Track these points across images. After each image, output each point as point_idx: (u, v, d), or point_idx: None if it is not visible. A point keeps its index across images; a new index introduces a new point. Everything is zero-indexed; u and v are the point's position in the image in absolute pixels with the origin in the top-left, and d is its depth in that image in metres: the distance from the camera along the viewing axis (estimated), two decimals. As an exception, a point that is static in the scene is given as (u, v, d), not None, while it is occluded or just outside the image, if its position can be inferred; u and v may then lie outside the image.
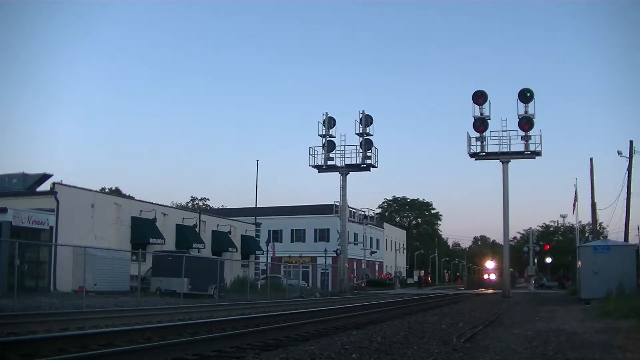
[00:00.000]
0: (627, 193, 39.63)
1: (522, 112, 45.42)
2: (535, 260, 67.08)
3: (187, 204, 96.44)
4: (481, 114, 46.32)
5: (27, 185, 35.15)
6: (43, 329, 13.53)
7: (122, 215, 37.65)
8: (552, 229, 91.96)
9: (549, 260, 72.20)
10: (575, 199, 51.94)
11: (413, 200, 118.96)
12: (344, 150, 51.38)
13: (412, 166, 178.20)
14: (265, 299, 31.18)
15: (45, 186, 34.73)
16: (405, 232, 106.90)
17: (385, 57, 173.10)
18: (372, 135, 51.47)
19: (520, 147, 45.76)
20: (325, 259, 58.28)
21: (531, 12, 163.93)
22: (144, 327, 13.49)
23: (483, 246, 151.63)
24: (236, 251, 48.44)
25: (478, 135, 46.43)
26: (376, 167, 51.68)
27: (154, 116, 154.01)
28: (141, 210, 39.25)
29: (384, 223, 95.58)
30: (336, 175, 52.06)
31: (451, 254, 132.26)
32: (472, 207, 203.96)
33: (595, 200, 46.51)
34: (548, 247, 72.14)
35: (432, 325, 15.66)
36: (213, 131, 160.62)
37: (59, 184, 33.55)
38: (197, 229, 43.88)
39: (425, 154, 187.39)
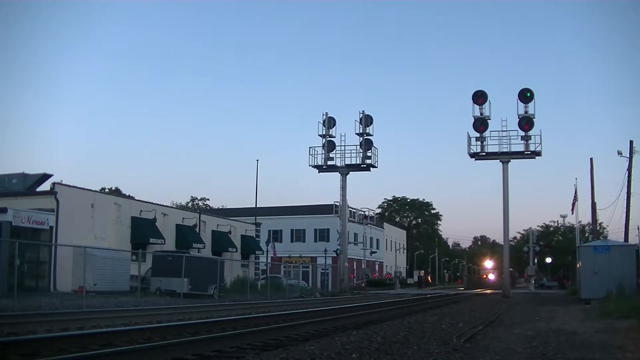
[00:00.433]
0: (627, 193, 39.67)
1: (522, 112, 45.44)
2: (535, 260, 67.09)
3: (187, 204, 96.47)
4: (481, 114, 46.32)
5: (27, 185, 35.16)
6: (43, 329, 13.53)
7: (122, 215, 37.65)
8: (552, 229, 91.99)
9: (549, 260, 72.22)
10: (575, 199, 51.95)
11: (413, 200, 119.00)
12: (344, 150, 51.45)
13: (412, 166, 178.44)
14: (265, 299, 31.18)
15: (45, 186, 34.76)
16: (405, 232, 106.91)
17: (385, 57, 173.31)
18: (372, 135, 51.52)
19: (520, 147, 45.77)
20: (325, 259, 58.28)
21: (531, 12, 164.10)
22: (144, 327, 13.48)
23: (483, 246, 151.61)
24: (236, 251, 48.44)
25: (478, 135, 46.42)
26: (376, 167, 51.75)
27: (154, 116, 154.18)
28: (141, 210, 39.25)
29: (384, 223, 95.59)
30: (336, 175, 52.09)
31: (451, 254, 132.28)
32: (472, 207, 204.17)
33: (595, 200, 46.58)
34: (548, 247, 72.14)
35: (432, 325, 15.66)
36: (213, 131, 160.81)
37: (59, 184, 33.55)
38: (197, 229, 43.88)
39: (425, 154, 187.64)
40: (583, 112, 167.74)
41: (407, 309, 24.07)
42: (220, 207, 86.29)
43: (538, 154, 45.65)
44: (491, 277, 77.01)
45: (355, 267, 71.81)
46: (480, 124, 46.23)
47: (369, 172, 51.94)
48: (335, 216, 59.48)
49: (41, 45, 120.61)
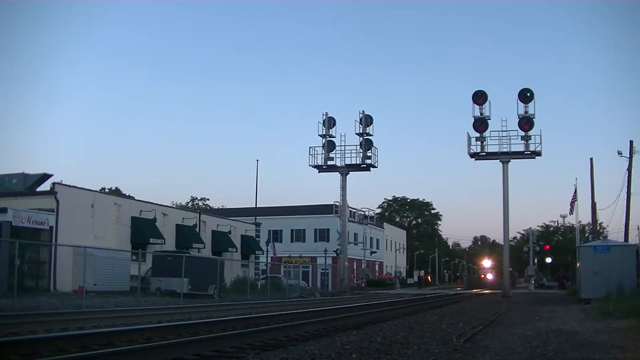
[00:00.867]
0: (627, 193, 39.68)
1: (522, 112, 45.45)
2: (535, 260, 67.06)
3: (187, 204, 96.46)
4: (481, 114, 46.32)
5: (27, 185, 35.15)
6: (43, 329, 13.54)
7: (122, 215, 37.64)
8: (552, 229, 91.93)
9: (549, 260, 72.16)
10: (574, 199, 51.97)
11: (413, 200, 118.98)
12: (344, 150, 51.46)
13: (412, 166, 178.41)
14: (265, 299, 31.18)
15: (45, 186, 34.75)
16: (405, 232, 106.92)
17: (385, 57, 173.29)
18: (372, 135, 51.52)
19: (520, 147, 45.77)
20: (325, 259, 58.27)
21: (531, 12, 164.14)
22: (144, 327, 13.49)
23: (483, 246, 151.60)
24: (236, 251, 48.43)
25: (478, 135, 46.43)
26: (376, 167, 51.75)
27: (154, 116, 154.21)
28: (141, 210, 39.24)
29: (384, 223, 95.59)
30: (336, 175, 52.09)
31: (451, 254, 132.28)
32: (472, 207, 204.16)
33: (595, 200, 46.60)
34: (548, 247, 72.11)
35: (432, 325, 15.66)
36: (213, 131, 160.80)
37: (59, 184, 33.54)
38: (197, 229, 43.87)
39: (425, 154, 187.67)
40: (583, 112, 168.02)
41: (407, 309, 24.07)
42: (220, 207, 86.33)
43: (538, 154, 45.66)
44: (489, 276, 76.51)
45: (355, 267, 71.82)
46: (480, 124, 46.24)
47: (369, 172, 51.99)
48: (335, 216, 59.48)
49: (41, 45, 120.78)
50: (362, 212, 76.66)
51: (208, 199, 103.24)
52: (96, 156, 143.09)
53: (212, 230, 46.86)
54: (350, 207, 67.69)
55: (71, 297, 24.10)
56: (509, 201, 46.51)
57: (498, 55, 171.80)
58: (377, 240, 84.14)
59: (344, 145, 51.41)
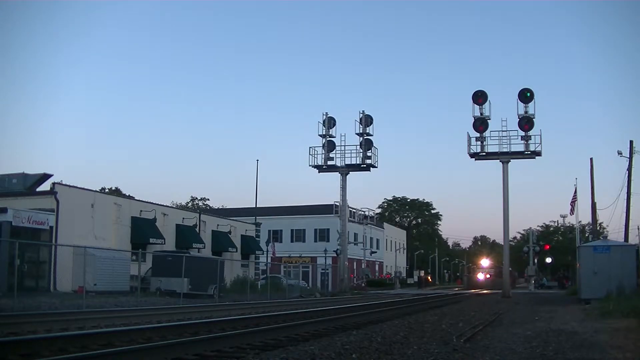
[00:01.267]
0: (627, 193, 39.69)
1: (522, 112, 45.43)
2: (535, 260, 67.05)
3: (187, 204, 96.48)
4: (481, 114, 46.32)
5: (27, 185, 35.15)
6: (43, 329, 13.54)
7: (122, 215, 37.64)
8: (552, 229, 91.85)
9: (549, 260, 72.13)
10: (574, 199, 51.96)
11: (413, 200, 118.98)
12: (344, 150, 51.45)
13: (412, 166, 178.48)
14: (265, 299, 31.18)
15: (45, 186, 34.75)
16: (405, 232, 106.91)
17: (385, 57, 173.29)
18: (372, 135, 51.52)
19: (520, 147, 45.76)
20: (325, 259, 58.28)
21: (531, 12, 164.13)
22: (144, 327, 13.49)
23: (483, 246, 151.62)
24: (236, 251, 48.43)
25: (478, 135, 46.42)
26: (376, 167, 51.74)
27: (153, 116, 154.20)
28: (141, 210, 39.24)
29: (384, 223, 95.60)
30: (336, 175, 52.09)
31: (451, 254, 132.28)
32: (472, 207, 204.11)
33: (595, 200, 46.61)
34: (548, 247, 72.10)
35: (432, 325, 15.66)
36: (213, 131, 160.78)
37: (59, 184, 33.54)
38: (197, 229, 43.87)
39: (425, 154, 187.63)
40: (583, 112, 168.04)
41: (407, 309, 24.08)
42: (220, 207, 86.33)
43: (538, 154, 45.65)
44: (487, 276, 75.75)
45: (355, 267, 71.82)
46: (480, 124, 46.23)
47: (369, 172, 51.98)
48: (335, 216, 59.49)
49: (41, 45, 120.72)
50: (362, 212, 76.66)
51: (208, 199, 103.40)
52: (96, 156, 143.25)
53: (212, 230, 46.86)
54: (350, 207, 67.69)
55: (71, 297, 24.10)
56: (509, 201, 46.58)
57: (498, 55, 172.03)
58: (377, 240, 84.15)
59: (344, 145, 51.50)
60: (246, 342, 11.45)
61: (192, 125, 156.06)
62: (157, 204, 41.52)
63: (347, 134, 51.69)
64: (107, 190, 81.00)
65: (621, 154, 40.26)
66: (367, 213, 77.60)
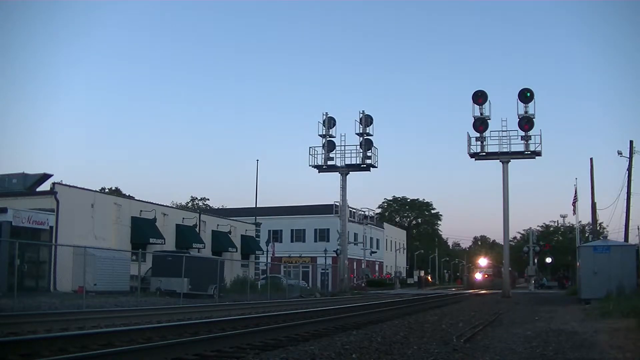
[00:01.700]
0: (627, 193, 39.69)
1: (522, 112, 45.44)
2: (535, 260, 67.06)
3: (187, 204, 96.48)
4: (481, 114, 46.33)
5: (27, 185, 35.15)
6: (43, 329, 13.54)
7: (122, 215, 37.64)
8: (552, 229, 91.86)
9: (549, 260, 72.15)
10: (575, 199, 52.01)
11: (413, 200, 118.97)
12: (344, 150, 51.46)
13: (412, 166, 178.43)
14: (265, 299, 31.18)
15: (45, 186, 34.74)
16: (405, 232, 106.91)
17: (385, 57, 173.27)
18: (372, 135, 51.52)
19: (520, 147, 45.77)
20: (325, 259, 58.28)
21: (531, 12, 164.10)
22: (144, 327, 13.49)
23: (483, 246, 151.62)
24: (236, 251, 48.43)
25: (478, 135, 46.43)
26: (376, 167, 51.75)
27: (153, 116, 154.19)
28: (141, 210, 39.24)
29: (384, 223, 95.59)
30: (336, 175, 52.09)
31: (451, 254, 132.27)
32: (472, 207, 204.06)
33: (595, 200, 46.62)
34: (548, 247, 72.12)
35: (432, 325, 15.66)
36: (213, 131, 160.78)
37: (59, 184, 33.54)
38: (197, 229, 43.87)
39: (425, 154, 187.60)
40: (583, 112, 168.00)
41: (407, 309, 24.08)
42: (220, 207, 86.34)
43: (538, 154, 45.66)
44: (486, 276, 75.39)
45: (355, 267, 71.82)
46: (480, 124, 46.24)
47: (369, 172, 51.99)
48: (335, 216, 59.49)
49: (41, 45, 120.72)
50: (362, 212, 76.65)
51: (208, 199, 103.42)
52: (96, 156, 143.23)
53: (212, 230, 46.86)
54: (350, 207, 67.69)
55: (71, 297, 24.10)
56: (509, 201, 46.58)
57: (498, 55, 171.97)
58: (377, 240, 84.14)
59: (344, 145, 51.51)
60: (246, 342, 11.45)
61: (192, 125, 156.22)
62: (157, 204, 41.52)
63: (347, 134, 51.80)
64: (107, 190, 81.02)
65: (621, 154, 40.29)
66: (367, 213, 77.60)
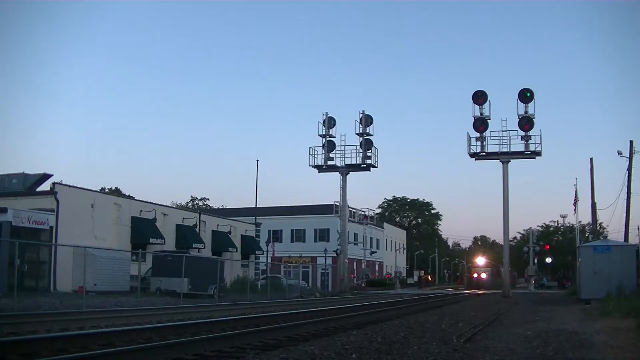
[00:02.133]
0: (627, 193, 39.72)
1: (522, 112, 45.46)
2: (535, 260, 67.08)
3: (187, 204, 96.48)
4: (481, 114, 46.34)
5: (27, 185, 35.16)
6: (43, 329, 13.54)
7: (122, 215, 37.64)
8: (552, 229, 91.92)
9: (549, 260, 72.19)
10: (576, 199, 52.06)
11: (413, 200, 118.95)
12: (344, 150, 51.45)
13: (412, 166, 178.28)
14: (265, 299, 31.18)
15: (45, 186, 34.77)
16: (405, 232, 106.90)
17: (385, 57, 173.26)
18: (372, 135, 51.51)
19: (520, 147, 45.78)
20: (325, 259, 58.28)
21: (531, 12, 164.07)
22: (144, 327, 13.49)
23: (483, 246, 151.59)
24: (236, 251, 48.43)
25: (478, 135, 46.44)
26: (376, 167, 51.74)
27: (153, 116, 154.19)
28: (141, 210, 39.24)
29: (384, 223, 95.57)
30: (336, 175, 52.09)
31: (451, 254, 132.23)
32: (472, 207, 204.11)
33: (595, 200, 46.68)
34: (548, 247, 72.13)
35: (432, 325, 15.66)
36: (213, 131, 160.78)
37: (59, 184, 33.55)
38: (197, 229, 43.87)
39: (425, 154, 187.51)
40: (583, 112, 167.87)
41: (407, 309, 24.07)
42: (220, 207, 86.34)
43: (538, 154, 45.66)
44: (483, 275, 75.11)
45: (355, 267, 71.81)
46: (480, 124, 46.25)
47: (369, 172, 51.98)
48: (335, 216, 59.49)
49: (41, 45, 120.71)
50: (362, 212, 76.63)
51: (208, 199, 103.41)
52: (96, 156, 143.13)
53: (212, 230, 46.87)
54: (350, 207, 67.69)
55: (71, 297, 24.10)
56: (509, 201, 46.60)
57: (498, 55, 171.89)
58: (377, 240, 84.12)
59: (344, 145, 51.50)
60: (246, 342, 11.45)
61: (192, 125, 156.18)
62: (157, 204, 41.54)
63: (347, 134, 51.77)
64: (107, 190, 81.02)
65: (621, 154, 40.33)
66: (367, 213, 77.56)
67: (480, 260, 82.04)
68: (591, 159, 45.99)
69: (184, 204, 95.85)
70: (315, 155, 51.29)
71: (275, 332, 13.01)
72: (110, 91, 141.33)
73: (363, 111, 51.50)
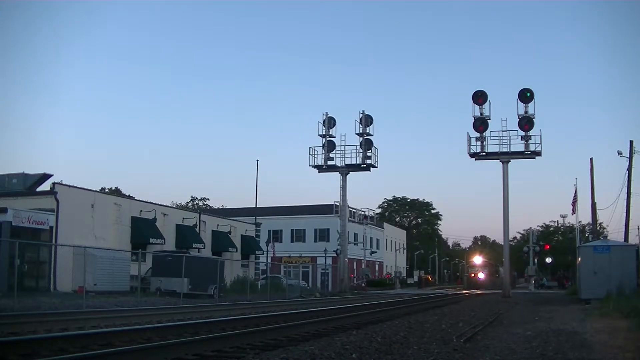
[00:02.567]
0: (627, 193, 39.76)
1: (522, 112, 45.43)
2: (535, 260, 67.07)
3: (187, 204, 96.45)
4: (481, 114, 46.33)
5: (27, 185, 35.13)
6: (43, 329, 13.54)
7: (122, 215, 37.64)
8: (552, 229, 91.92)
9: (549, 260, 72.20)
10: (575, 199, 52.03)
11: (413, 200, 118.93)
12: (344, 150, 51.44)
13: (412, 166, 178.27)
14: (265, 299, 31.18)
15: (45, 186, 34.72)
16: (405, 232, 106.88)
17: (385, 57, 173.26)
18: (372, 135, 51.49)
19: (520, 147, 45.76)
20: (325, 259, 58.28)
21: (531, 12, 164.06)
22: (144, 327, 13.50)
23: (483, 246, 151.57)
24: (236, 251, 48.43)
25: (478, 135, 46.42)
26: (376, 167, 51.71)
27: (153, 116, 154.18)
28: (141, 210, 39.24)
29: (384, 223, 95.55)
30: (336, 175, 52.09)
31: (451, 254, 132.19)
32: (472, 207, 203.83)
33: (595, 200, 46.71)
34: (548, 247, 72.14)
35: (432, 325, 15.66)
36: (213, 131, 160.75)
37: (59, 184, 33.53)
38: (197, 229, 43.87)
39: (425, 154, 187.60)
40: (583, 112, 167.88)
41: (407, 309, 24.07)
42: (220, 207, 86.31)
43: (538, 154, 45.65)
44: (481, 275, 74.74)
45: (355, 267, 71.81)
46: (480, 124, 46.24)
47: (369, 172, 51.96)
48: (335, 216, 59.48)
49: (41, 45, 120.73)
50: (362, 212, 76.63)
51: (208, 199, 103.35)
52: (96, 156, 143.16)
53: (212, 230, 46.86)
54: (350, 207, 67.68)
55: (71, 297, 24.11)
56: (509, 201, 46.58)
57: (498, 55, 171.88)
58: (377, 240, 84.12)
59: (344, 145, 51.49)
60: (246, 342, 11.45)
61: (192, 125, 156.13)
62: (157, 204, 41.53)
63: (347, 134, 51.76)
64: (107, 190, 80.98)
65: (621, 154, 40.37)
66: (367, 213, 77.57)
67: (478, 260, 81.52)
68: (591, 159, 46.09)
69: (184, 204, 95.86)
70: (315, 155, 51.32)
71: (275, 332, 13.00)
72: (110, 91, 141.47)
73: (363, 111, 51.56)
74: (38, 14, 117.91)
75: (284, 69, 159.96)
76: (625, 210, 40.14)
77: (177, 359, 9.55)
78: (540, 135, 45.45)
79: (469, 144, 46.54)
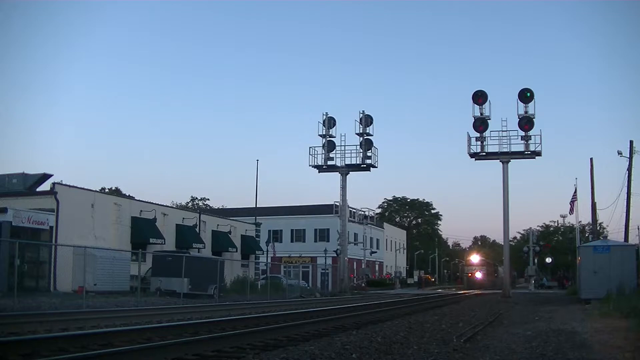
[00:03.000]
0: (627, 193, 39.77)
1: (522, 112, 45.44)
2: (535, 260, 67.06)
3: (187, 204, 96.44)
4: (481, 114, 46.33)
5: (27, 185, 35.13)
6: (43, 329, 13.54)
7: (122, 215, 37.63)
8: (552, 229, 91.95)
9: (549, 260, 72.21)
10: (574, 199, 52.04)
11: (413, 200, 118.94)
12: (344, 150, 51.47)
13: (412, 166, 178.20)
14: (265, 299, 31.19)
15: (45, 186, 34.72)
16: (405, 232, 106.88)
17: (385, 57, 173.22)
18: (372, 135, 51.52)
19: (520, 147, 45.76)
20: (325, 259, 58.28)
21: (531, 12, 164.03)
22: (144, 327, 13.50)
23: (483, 246, 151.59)
24: (236, 251, 48.43)
25: (478, 135, 46.43)
26: (376, 167, 51.74)
27: (153, 116, 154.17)
28: (141, 210, 39.24)
29: (384, 223, 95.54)
30: (336, 175, 52.11)
31: (451, 254, 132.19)
32: (472, 207, 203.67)
33: (595, 200, 46.71)
34: (548, 247, 72.14)
35: (432, 325, 15.66)
36: (213, 131, 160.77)
37: (59, 184, 33.53)
38: (197, 229, 43.86)
39: (425, 154, 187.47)
40: (583, 112, 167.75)
41: (407, 309, 24.08)
42: (220, 207, 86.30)
43: (538, 154, 45.66)
44: (478, 275, 74.19)
45: (355, 267, 71.81)
46: (480, 124, 46.24)
47: (369, 172, 51.99)
48: (335, 216, 59.48)
49: (41, 45, 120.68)
50: (362, 212, 76.63)
51: (208, 199, 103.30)
52: (96, 156, 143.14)
53: (212, 230, 46.86)
54: (350, 207, 67.68)
55: (71, 297, 24.11)
56: (509, 201, 46.57)
57: (498, 55, 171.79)
58: (377, 240, 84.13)
59: (344, 145, 51.52)
60: (246, 342, 11.45)
61: (192, 125, 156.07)
62: (157, 204, 41.52)
63: (347, 134, 51.79)
64: (107, 190, 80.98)
65: (621, 154, 40.38)
66: (367, 213, 77.58)
67: (475, 258, 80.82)
68: (591, 159, 46.11)
69: (184, 204, 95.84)
70: (315, 155, 51.33)
71: (275, 332, 13.01)
72: (110, 91, 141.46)
73: (363, 111, 51.58)
74: (38, 14, 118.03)
75: (284, 69, 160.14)
76: (625, 210, 40.20)
77: (177, 359, 9.55)
78: (540, 135, 45.55)
79: (469, 144, 46.56)
